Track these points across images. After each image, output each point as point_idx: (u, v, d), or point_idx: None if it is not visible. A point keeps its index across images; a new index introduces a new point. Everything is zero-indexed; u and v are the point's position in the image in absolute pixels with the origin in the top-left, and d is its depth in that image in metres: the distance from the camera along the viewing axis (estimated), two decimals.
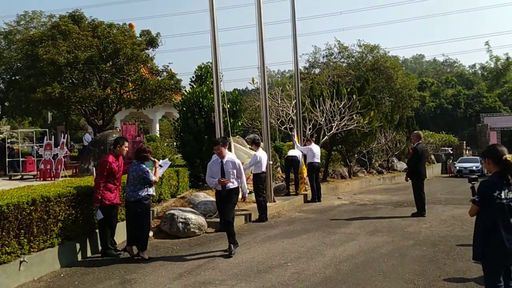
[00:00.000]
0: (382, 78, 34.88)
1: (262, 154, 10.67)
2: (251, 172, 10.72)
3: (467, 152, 46.10)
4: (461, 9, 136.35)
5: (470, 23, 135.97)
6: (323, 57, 38.53)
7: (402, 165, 25.63)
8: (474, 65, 76.09)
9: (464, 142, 46.81)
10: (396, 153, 25.32)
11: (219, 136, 10.90)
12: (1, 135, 30.58)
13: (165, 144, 22.46)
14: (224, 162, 7.51)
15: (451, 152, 39.61)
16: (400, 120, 28.96)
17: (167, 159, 8.22)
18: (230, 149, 10.06)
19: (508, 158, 3.77)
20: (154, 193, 7.84)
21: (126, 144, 7.56)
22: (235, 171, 7.58)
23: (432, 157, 33.77)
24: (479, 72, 72.91)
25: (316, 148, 14.05)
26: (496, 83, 63.48)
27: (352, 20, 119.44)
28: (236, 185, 7.65)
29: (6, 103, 27.62)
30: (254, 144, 11.03)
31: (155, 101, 21.85)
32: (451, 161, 36.50)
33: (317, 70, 37.62)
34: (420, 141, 11.12)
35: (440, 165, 35.51)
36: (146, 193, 7.15)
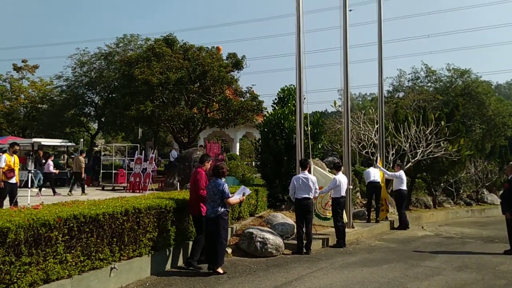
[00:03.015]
0: (473, 104, 32.86)
1: (342, 178, 10.52)
2: (330, 196, 10.60)
3: None
4: None
5: None
6: (408, 81, 37.23)
7: (493, 198, 23.75)
8: None
9: None
10: (486, 184, 23.55)
11: (300, 157, 10.96)
12: (96, 148, 33.23)
13: (245, 163, 22.96)
14: None
15: None
16: (492, 149, 26.97)
17: (248, 189, 8.22)
18: (309, 171, 10.08)
19: None
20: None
21: (211, 161, 7.95)
22: None
23: None
24: None
25: (404, 175, 13.70)
26: None
27: (440, 43, 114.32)
28: None
29: (102, 119, 29.99)
30: (335, 167, 10.93)
31: (237, 121, 22.57)
32: None
33: (401, 94, 36.41)
34: None
35: None
36: (225, 209, 7.37)
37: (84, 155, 19.18)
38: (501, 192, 11.77)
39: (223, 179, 7.56)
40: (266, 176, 14.20)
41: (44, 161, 17.81)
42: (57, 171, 18.35)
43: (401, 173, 13.69)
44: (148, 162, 18.65)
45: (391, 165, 15.38)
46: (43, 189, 16.97)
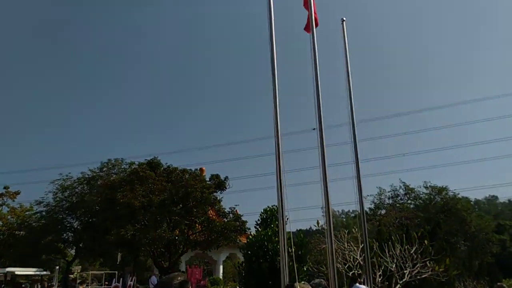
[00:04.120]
0: (454, 220, 33.21)
1: None
2: None
3: None
4: None
5: None
6: (389, 198, 37.93)
7: None
8: None
9: None
10: None
11: (284, 282, 10.56)
12: (72, 276, 31.59)
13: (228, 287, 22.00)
14: None
15: None
16: (480, 267, 26.56)
17: None
18: None
19: None
20: None
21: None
22: None
23: None
24: None
25: None
26: None
27: (416, 161, 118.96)
28: None
29: (80, 244, 28.99)
30: None
31: (220, 243, 22.18)
32: None
33: (383, 211, 36.77)
34: None
35: None
36: None
37: (84, 285, 18.57)
38: None
39: None
40: None
41: None
42: None
43: None
44: None
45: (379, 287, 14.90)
46: None
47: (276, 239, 13.21)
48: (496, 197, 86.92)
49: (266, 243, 13.40)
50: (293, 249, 11.69)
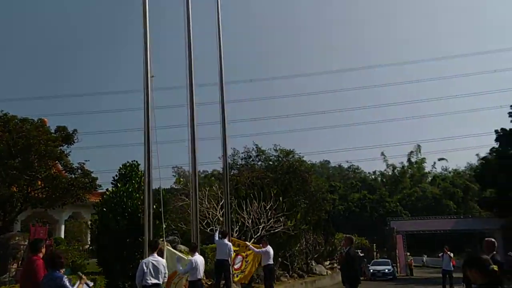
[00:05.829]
0: (298, 181, 36.15)
1: (198, 259, 9.92)
2: (186, 280, 9.85)
3: (376, 254, 47.70)
4: (363, 121, 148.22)
5: (370, 134, 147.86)
6: (242, 159, 39.50)
7: (320, 269, 25.67)
8: (374, 172, 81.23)
9: (374, 245, 48.62)
10: (315, 256, 25.43)
11: (148, 239, 10.09)
12: None
13: (74, 247, 20.48)
14: None
15: (362, 254, 40.66)
16: (317, 223, 29.55)
17: (89, 282, 7.01)
18: (162, 255, 9.29)
19: (495, 269, 3.66)
20: None
21: (44, 246, 6.75)
22: None
23: None
24: (379, 178, 78.18)
25: (271, 250, 13.98)
26: (395, 189, 68.85)
27: (269, 125, 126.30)
28: None
29: None
30: (191, 248, 10.39)
31: (66, 200, 20.35)
32: (364, 264, 37.31)
33: (235, 171, 38.13)
34: (352, 245, 11.15)
35: None
36: None
37: None
38: (341, 264, 12.60)
39: (62, 271, 6.29)
40: (104, 261, 12.73)
41: None
42: None
43: (268, 248, 13.87)
44: None
45: None
46: None
47: (137, 195, 12.57)
48: (329, 162, 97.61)
49: (125, 199, 12.58)
50: (162, 206, 11.19)
